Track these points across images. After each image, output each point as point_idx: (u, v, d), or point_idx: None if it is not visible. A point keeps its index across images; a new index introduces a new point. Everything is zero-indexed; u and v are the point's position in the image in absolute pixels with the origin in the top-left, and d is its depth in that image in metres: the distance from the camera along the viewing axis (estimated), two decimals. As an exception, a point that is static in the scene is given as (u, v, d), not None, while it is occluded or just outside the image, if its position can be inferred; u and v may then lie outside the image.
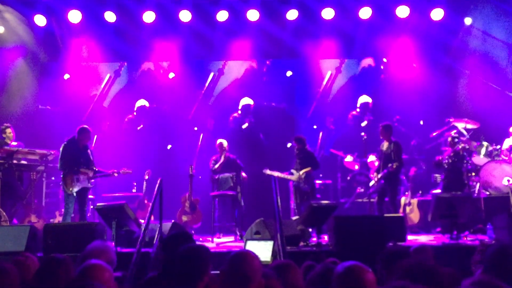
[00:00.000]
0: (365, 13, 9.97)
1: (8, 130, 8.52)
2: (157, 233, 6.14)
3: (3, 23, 10.10)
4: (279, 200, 6.32)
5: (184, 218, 8.55)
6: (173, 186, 9.06)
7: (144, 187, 9.61)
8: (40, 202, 8.65)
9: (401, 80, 10.52)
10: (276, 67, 11.00)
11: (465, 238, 7.18)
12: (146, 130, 10.47)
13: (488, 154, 8.67)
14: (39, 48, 10.52)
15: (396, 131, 9.19)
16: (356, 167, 10.03)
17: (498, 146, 8.76)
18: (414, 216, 8.98)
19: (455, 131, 9.21)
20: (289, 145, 9.17)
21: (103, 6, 10.02)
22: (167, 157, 10.36)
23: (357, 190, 9.94)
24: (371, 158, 9.50)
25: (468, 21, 10.07)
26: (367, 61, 10.79)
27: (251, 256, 2.48)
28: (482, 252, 3.76)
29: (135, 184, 9.98)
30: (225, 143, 8.90)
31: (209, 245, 7.43)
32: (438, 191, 8.62)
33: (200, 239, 7.95)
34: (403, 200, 8.99)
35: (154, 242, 5.95)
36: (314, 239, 7.05)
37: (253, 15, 10.04)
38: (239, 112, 10.34)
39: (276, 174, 8.40)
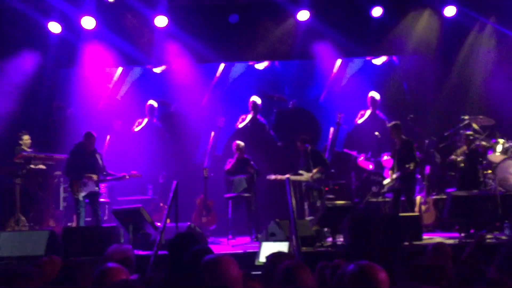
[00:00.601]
0: (376, 12, 9.92)
1: (26, 137, 8.68)
2: (159, 235, 6.14)
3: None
4: (293, 201, 6.34)
5: (200, 220, 8.60)
6: (188, 188, 9.11)
7: (159, 190, 9.70)
8: (57, 207, 8.78)
9: (414, 78, 10.45)
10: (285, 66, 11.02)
11: (482, 237, 7.10)
12: (160, 132, 10.54)
13: (504, 151, 8.58)
14: (54, 54, 10.65)
15: (409, 130, 9.15)
16: (370, 166, 9.99)
17: (514, 143, 8.67)
18: (430, 215, 8.91)
19: (470, 130, 9.14)
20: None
21: (116, 11, 10.13)
22: (182, 160, 10.42)
23: (372, 190, 9.90)
24: (385, 157, 9.46)
25: (482, 17, 9.98)
26: (380, 59, 10.72)
27: (226, 262, 2.44)
28: (478, 244, 3.73)
29: (150, 187, 10.07)
30: (241, 144, 8.89)
31: (224, 246, 7.48)
32: (454, 189, 8.55)
33: (216, 240, 8.01)
34: (418, 199, 8.94)
35: (155, 243, 5.96)
36: (330, 239, 7.05)
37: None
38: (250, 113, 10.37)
39: (280, 177, 8.45)
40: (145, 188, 10.10)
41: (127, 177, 7.93)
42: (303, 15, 9.78)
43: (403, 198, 8.13)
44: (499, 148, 8.60)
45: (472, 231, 7.03)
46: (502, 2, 9.83)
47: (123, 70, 10.93)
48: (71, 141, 8.10)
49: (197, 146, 10.19)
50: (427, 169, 9.03)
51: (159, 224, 6.64)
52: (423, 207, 8.93)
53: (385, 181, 8.45)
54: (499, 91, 9.75)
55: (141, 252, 6.48)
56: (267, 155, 9.77)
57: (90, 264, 3.08)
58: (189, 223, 7.08)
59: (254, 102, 8.72)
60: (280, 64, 11.11)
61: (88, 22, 10.02)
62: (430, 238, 7.52)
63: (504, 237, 6.97)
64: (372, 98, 10.18)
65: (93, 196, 7.62)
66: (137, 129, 10.37)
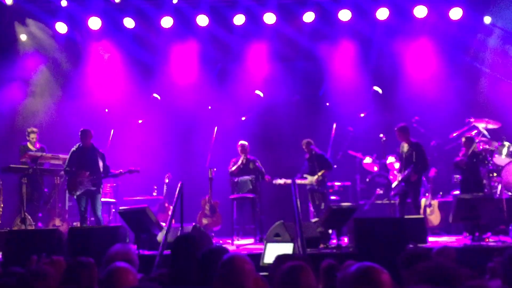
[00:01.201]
0: (382, 14, 9.94)
1: (33, 135, 8.75)
2: (163, 236, 6.16)
3: (25, 31, 10.36)
4: (298, 203, 6.34)
5: (204, 221, 8.63)
6: (193, 189, 9.13)
7: (164, 190, 9.74)
8: (63, 206, 8.83)
9: (420, 80, 10.44)
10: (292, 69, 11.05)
11: (487, 240, 7.10)
12: (164, 132, 10.59)
13: (510, 154, 8.56)
14: (61, 55, 10.73)
15: (415, 132, 9.14)
16: (375, 168, 9.99)
17: (520, 146, 8.65)
18: (435, 217, 8.90)
19: (475, 131, 9.13)
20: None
21: (122, 12, 10.20)
22: (187, 160, 10.46)
23: (377, 192, 9.91)
24: (390, 159, 9.46)
25: (487, 19, 9.97)
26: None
27: (241, 259, 2.47)
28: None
29: (155, 187, 10.12)
30: (246, 144, 8.86)
31: (229, 247, 7.49)
32: (458, 192, 8.54)
33: (220, 241, 8.02)
34: (423, 201, 8.92)
35: (161, 243, 5.98)
36: (334, 241, 7.05)
37: (270, 18, 10.10)
38: None
39: (283, 182, 8.51)
40: (150, 188, 10.15)
41: (123, 173, 7.86)
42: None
43: (409, 201, 8.12)
44: (504, 151, 8.59)
45: (477, 234, 7.01)
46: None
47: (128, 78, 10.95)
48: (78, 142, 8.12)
49: (205, 150, 10.22)
50: (432, 171, 9.02)
51: (164, 224, 6.66)
52: (428, 210, 8.92)
53: (394, 184, 8.45)
54: (505, 94, 9.74)
55: (146, 252, 6.51)
56: (270, 159, 9.78)
57: (94, 264, 3.11)
58: (194, 224, 7.09)
59: (242, 145, 8.75)
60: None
61: (94, 23, 10.09)
62: (435, 241, 7.52)
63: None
64: (376, 92, 10.20)
65: (90, 195, 7.62)
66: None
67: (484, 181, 8.52)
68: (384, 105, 10.36)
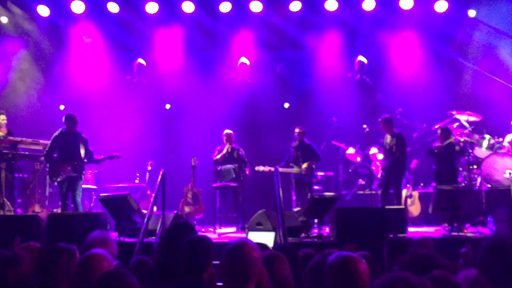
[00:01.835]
0: (368, 4, 9.95)
1: (2, 117, 8.54)
2: (159, 223, 6.20)
3: (6, 14, 10.13)
4: (280, 192, 6.36)
5: (187, 209, 8.60)
6: (176, 177, 9.10)
7: (147, 177, 9.69)
8: (43, 192, 8.72)
9: (404, 72, 10.50)
10: (279, 59, 11.01)
11: (465, 231, 7.21)
12: (149, 120, 10.49)
13: (490, 147, 8.68)
14: (43, 39, 10.54)
15: (398, 124, 9.20)
16: (358, 159, 10.05)
17: (500, 139, 8.76)
18: (415, 208, 9.02)
19: (457, 123, 9.23)
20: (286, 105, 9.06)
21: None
22: (170, 148, 10.40)
23: (359, 182, 9.99)
24: (373, 150, 9.52)
25: (472, 13, 10.03)
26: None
27: (250, 246, 2.45)
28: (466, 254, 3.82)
29: (137, 175, 10.05)
30: (230, 132, 8.79)
31: (211, 235, 7.50)
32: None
33: (203, 229, 8.02)
34: (404, 192, 9.02)
35: (157, 232, 6.00)
36: (316, 230, 7.09)
37: (256, 6, 10.04)
38: None
39: (268, 169, 8.47)
40: (132, 175, 10.08)
41: (105, 158, 7.80)
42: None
43: (391, 191, 8.19)
44: (485, 144, 8.69)
45: (455, 224, 7.11)
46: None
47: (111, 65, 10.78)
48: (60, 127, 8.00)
49: (188, 138, 10.16)
50: (414, 163, 9.12)
51: (145, 211, 6.63)
52: (409, 201, 9.02)
53: (379, 175, 8.51)
54: (487, 87, 9.84)
55: (127, 240, 6.47)
56: (255, 148, 9.76)
57: (75, 251, 3.08)
58: (175, 212, 7.07)
59: (227, 134, 8.66)
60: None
61: (77, 6, 9.92)
62: (415, 231, 7.61)
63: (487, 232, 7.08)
64: (360, 62, 10.19)
65: (71, 181, 7.54)
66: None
67: (465, 173, 8.64)
68: (368, 96, 10.40)
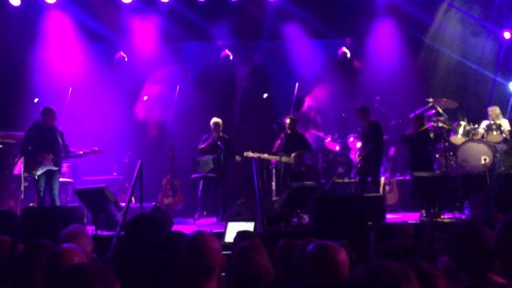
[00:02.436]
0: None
1: None
2: (120, 215, 6.07)
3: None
4: (259, 181, 6.34)
5: (166, 201, 8.54)
6: (154, 168, 9.01)
7: (124, 170, 9.56)
8: (18, 186, 8.53)
9: (382, 61, 10.55)
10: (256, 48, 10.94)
11: (442, 217, 7.31)
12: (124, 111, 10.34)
13: (466, 133, 8.80)
14: (14, 29, 10.25)
15: (376, 112, 9.26)
16: (337, 148, 10.09)
17: (476, 126, 8.89)
18: (394, 195, 9.11)
19: (434, 111, 9.33)
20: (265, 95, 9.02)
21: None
22: (148, 140, 10.28)
23: (338, 171, 10.03)
24: (352, 138, 9.57)
25: (447, 1, 10.12)
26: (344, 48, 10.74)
27: (208, 237, 2.37)
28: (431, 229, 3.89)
29: (115, 167, 9.92)
30: (219, 121, 8.55)
31: (190, 226, 7.46)
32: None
33: (182, 221, 7.98)
34: (382, 180, 9.10)
35: (118, 222, 5.88)
36: (295, 219, 7.10)
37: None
38: None
39: (257, 155, 8.32)
40: (110, 168, 9.94)
41: (88, 153, 7.67)
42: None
43: (369, 179, 8.25)
44: (461, 130, 8.81)
45: (432, 210, 7.20)
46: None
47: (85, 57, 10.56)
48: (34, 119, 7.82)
49: (166, 129, 10.04)
50: (392, 150, 9.20)
51: (123, 204, 6.54)
52: (387, 188, 9.11)
53: (358, 164, 8.54)
54: (462, 74, 9.97)
55: (104, 233, 6.38)
56: (232, 137, 9.67)
57: (50, 246, 3.00)
58: (154, 203, 6.99)
59: (214, 123, 8.46)
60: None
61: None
62: (394, 218, 7.70)
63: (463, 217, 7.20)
64: (344, 53, 10.23)
65: (50, 175, 7.40)
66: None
67: (441, 160, 8.75)
68: (346, 85, 10.43)
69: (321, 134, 10.17)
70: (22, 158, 7.51)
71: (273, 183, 9.31)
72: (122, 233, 5.40)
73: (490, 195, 6.96)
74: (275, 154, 8.51)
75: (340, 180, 9.84)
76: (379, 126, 8.24)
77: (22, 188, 8.48)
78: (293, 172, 8.44)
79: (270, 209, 6.86)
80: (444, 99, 9.36)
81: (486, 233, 2.36)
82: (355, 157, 8.97)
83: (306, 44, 10.69)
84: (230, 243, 4.11)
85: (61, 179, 8.11)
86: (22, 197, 8.35)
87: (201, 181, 8.42)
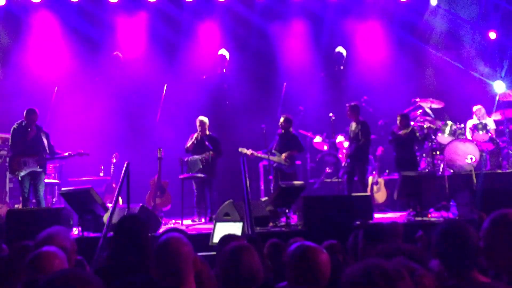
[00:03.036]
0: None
1: None
2: (106, 216, 6.02)
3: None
4: (247, 181, 6.31)
5: (153, 202, 8.47)
6: (142, 169, 8.94)
7: (111, 170, 9.48)
8: (3, 188, 8.42)
9: (369, 61, 10.60)
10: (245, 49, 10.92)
11: (429, 216, 7.36)
12: (113, 111, 10.24)
13: (452, 133, 8.87)
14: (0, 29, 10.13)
15: (363, 112, 9.29)
16: (325, 147, 10.11)
17: (462, 125, 8.97)
18: (381, 194, 9.15)
19: (421, 110, 9.39)
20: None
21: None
22: (135, 140, 10.19)
23: (326, 171, 10.06)
24: (340, 138, 9.60)
25: (433, 1, 10.19)
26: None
27: (178, 241, 2.35)
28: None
29: (102, 167, 9.83)
30: (204, 119, 8.47)
31: (178, 227, 7.40)
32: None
33: (172, 221, 7.92)
34: (370, 179, 9.14)
35: (105, 224, 5.82)
36: (284, 219, 7.09)
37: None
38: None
39: (250, 152, 8.31)
40: (97, 168, 9.85)
41: (72, 155, 7.60)
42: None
43: (356, 179, 8.27)
44: (447, 130, 8.87)
45: (418, 209, 7.24)
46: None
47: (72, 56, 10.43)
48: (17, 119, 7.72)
49: (154, 129, 9.97)
50: (379, 150, 9.24)
51: (110, 205, 6.48)
52: (375, 187, 9.15)
53: (344, 163, 8.56)
54: (449, 74, 10.05)
55: (91, 234, 6.31)
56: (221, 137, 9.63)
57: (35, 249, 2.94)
58: (141, 204, 6.94)
59: (199, 121, 8.37)
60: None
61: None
62: (382, 217, 7.73)
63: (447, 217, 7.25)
64: (340, 53, 10.23)
65: (34, 176, 7.31)
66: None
67: (428, 159, 8.81)
68: (334, 84, 10.46)
69: (309, 134, 10.18)
70: (7, 159, 7.42)
71: (262, 183, 9.31)
72: (108, 234, 5.35)
73: (476, 194, 7.01)
74: (268, 153, 8.46)
75: (329, 180, 9.87)
76: (366, 126, 8.27)
77: (7, 189, 8.38)
78: (283, 172, 8.40)
79: (259, 209, 6.85)
80: (431, 99, 9.43)
81: (470, 231, 2.36)
82: (343, 156, 8.99)
83: (294, 43, 10.70)
84: (216, 244, 4.10)
85: (46, 180, 8.02)
86: (7, 199, 8.25)
87: (184, 182, 8.32)
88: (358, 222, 6.30)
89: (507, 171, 8.60)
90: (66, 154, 7.60)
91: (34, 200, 7.37)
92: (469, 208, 7.07)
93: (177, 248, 2.30)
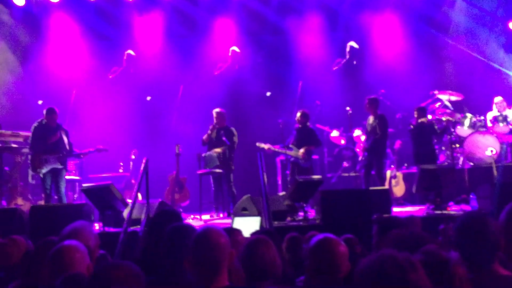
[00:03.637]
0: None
1: None
2: (143, 212, 6.15)
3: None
4: (265, 176, 6.34)
5: (172, 197, 8.56)
6: (160, 165, 9.04)
7: (130, 167, 9.61)
8: (26, 185, 8.60)
9: (386, 54, 10.51)
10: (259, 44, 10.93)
11: (448, 209, 7.29)
12: (132, 109, 10.36)
13: (472, 125, 8.76)
14: (19, 29, 10.30)
15: (381, 105, 9.23)
16: (342, 141, 10.08)
17: (482, 117, 8.85)
18: (400, 188, 9.09)
19: (439, 103, 9.29)
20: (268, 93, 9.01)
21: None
22: (154, 136, 10.30)
23: (343, 165, 10.02)
24: (357, 132, 9.55)
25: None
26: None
27: (216, 232, 2.39)
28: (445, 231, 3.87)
29: (121, 164, 9.96)
30: (219, 112, 8.38)
31: (196, 222, 7.48)
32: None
33: (192, 216, 7.99)
34: (388, 173, 9.09)
35: (142, 220, 5.95)
36: (301, 213, 7.11)
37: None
38: None
39: (267, 147, 8.34)
40: (116, 165, 9.98)
41: (92, 152, 7.73)
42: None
43: (373, 173, 8.23)
44: (467, 122, 8.77)
45: (437, 202, 7.17)
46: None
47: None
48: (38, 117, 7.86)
49: (172, 126, 10.05)
50: (397, 143, 9.17)
51: (129, 201, 6.57)
52: (393, 181, 9.09)
53: (361, 158, 8.53)
54: (468, 66, 9.91)
55: (111, 230, 6.42)
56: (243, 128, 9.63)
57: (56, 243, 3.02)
58: (160, 200, 7.02)
59: (215, 113, 8.36)
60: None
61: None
62: (400, 211, 7.68)
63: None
64: (353, 48, 10.16)
65: (55, 173, 7.45)
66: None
67: (447, 152, 8.72)
68: (350, 78, 10.40)
69: (326, 128, 10.16)
70: (29, 157, 7.59)
71: (279, 178, 9.32)
72: (129, 229, 5.44)
73: (496, 187, 6.92)
74: (285, 147, 8.47)
75: (346, 174, 9.84)
76: (384, 120, 8.22)
77: (30, 186, 8.56)
78: (300, 167, 8.41)
79: (276, 204, 6.87)
80: (450, 91, 9.32)
81: (491, 224, 2.35)
82: (360, 150, 8.96)
83: (310, 37, 10.66)
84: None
85: (68, 177, 8.17)
86: (30, 195, 8.43)
87: (202, 178, 8.37)
88: (375, 216, 6.30)
89: (529, 163, 8.47)
90: (86, 151, 7.73)
91: (56, 197, 7.51)
92: (489, 201, 7.00)
93: (217, 239, 2.34)
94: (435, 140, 8.40)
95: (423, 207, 7.96)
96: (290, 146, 8.48)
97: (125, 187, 9.27)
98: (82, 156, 7.82)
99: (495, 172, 7.89)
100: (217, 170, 8.28)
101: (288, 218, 6.96)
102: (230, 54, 10.25)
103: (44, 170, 7.38)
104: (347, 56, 10.11)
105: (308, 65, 10.55)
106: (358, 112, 8.98)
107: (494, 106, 9.05)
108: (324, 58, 10.61)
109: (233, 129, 8.44)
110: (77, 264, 2.44)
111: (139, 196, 7.28)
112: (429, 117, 8.44)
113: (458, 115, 8.86)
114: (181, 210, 8.30)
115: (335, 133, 10.05)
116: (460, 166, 8.51)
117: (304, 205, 7.03)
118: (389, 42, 10.54)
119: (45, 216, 6.25)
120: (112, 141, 9.19)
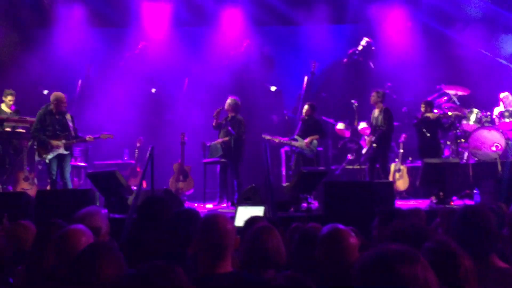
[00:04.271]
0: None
1: (10, 97, 8.48)
2: (131, 199, 6.16)
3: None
4: (269, 167, 6.36)
5: (177, 185, 8.61)
6: (165, 153, 9.08)
7: (136, 154, 9.66)
8: (32, 170, 8.67)
9: (394, 47, 10.46)
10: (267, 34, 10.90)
11: (452, 203, 7.30)
12: (138, 97, 10.40)
13: (478, 120, 8.74)
14: (26, 14, 10.32)
15: (387, 98, 9.21)
16: (347, 134, 10.07)
17: (489, 113, 8.82)
18: (404, 182, 9.09)
19: (446, 97, 9.26)
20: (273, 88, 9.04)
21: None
22: (159, 125, 10.34)
23: (348, 157, 10.03)
24: (362, 125, 9.52)
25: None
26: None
27: (223, 218, 2.45)
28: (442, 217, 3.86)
29: (127, 151, 10.01)
30: (232, 102, 8.24)
31: (200, 211, 7.52)
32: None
33: (195, 204, 8.04)
34: (393, 166, 9.09)
35: (130, 208, 5.97)
36: (305, 204, 7.14)
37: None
38: None
39: (277, 140, 8.39)
40: (121, 152, 10.04)
41: (98, 137, 7.75)
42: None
43: (378, 166, 8.24)
44: (473, 117, 8.75)
45: (440, 196, 7.18)
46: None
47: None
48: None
49: (178, 114, 10.08)
50: (402, 137, 9.16)
51: (134, 188, 6.63)
52: (397, 175, 9.09)
53: (364, 150, 8.54)
54: (475, 61, 9.85)
55: (116, 216, 6.48)
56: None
57: (62, 226, 3.06)
58: (165, 188, 7.07)
59: (227, 102, 8.31)
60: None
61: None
62: (403, 204, 7.69)
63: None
64: (368, 41, 10.16)
65: (61, 159, 7.49)
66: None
67: (452, 147, 8.71)
68: (357, 71, 10.37)
69: (331, 120, 10.15)
70: (35, 143, 7.62)
71: (283, 169, 9.34)
72: (134, 216, 5.49)
73: (501, 183, 6.92)
74: (292, 139, 8.53)
75: (350, 167, 9.84)
76: (389, 113, 8.22)
77: (36, 171, 8.62)
78: (304, 157, 8.46)
79: (280, 194, 6.90)
80: (456, 86, 9.29)
81: (490, 216, 2.37)
82: (365, 143, 8.96)
83: (318, 29, 10.63)
84: (239, 227, 4.18)
85: (73, 163, 8.22)
86: (36, 180, 8.50)
87: (207, 167, 8.40)
88: (378, 209, 6.31)
89: (534, 159, 8.45)
90: (92, 137, 7.71)
91: (61, 182, 7.57)
92: (492, 196, 7.00)
93: (224, 224, 2.40)
94: (440, 134, 8.39)
95: (426, 201, 7.98)
96: (295, 137, 8.51)
97: (130, 175, 9.33)
98: (87, 139, 7.77)
99: (499, 168, 7.88)
100: (222, 160, 8.29)
101: (291, 209, 6.99)
102: (243, 48, 10.21)
103: (50, 156, 7.43)
104: (360, 48, 10.06)
105: (316, 56, 10.52)
106: (363, 105, 8.97)
107: (501, 102, 9.01)
108: (331, 50, 10.57)
109: (241, 119, 8.32)
110: (83, 247, 2.48)
111: (144, 184, 7.34)
112: (436, 111, 8.42)
113: (465, 110, 8.83)
114: (185, 198, 8.35)
115: (340, 126, 10.04)
116: (464, 161, 8.50)
117: (308, 196, 7.06)
118: (397, 35, 10.49)
119: (51, 201, 6.32)
120: (118, 129, 9.23)
